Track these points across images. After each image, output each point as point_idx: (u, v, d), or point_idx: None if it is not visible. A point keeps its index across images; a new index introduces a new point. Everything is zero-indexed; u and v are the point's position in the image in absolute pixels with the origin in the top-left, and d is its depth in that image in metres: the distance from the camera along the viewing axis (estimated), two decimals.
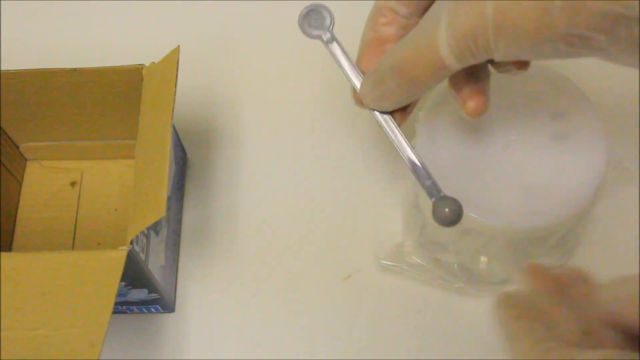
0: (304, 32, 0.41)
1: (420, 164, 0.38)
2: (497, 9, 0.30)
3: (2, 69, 0.42)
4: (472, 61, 0.33)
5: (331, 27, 0.41)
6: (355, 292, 0.46)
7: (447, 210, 0.36)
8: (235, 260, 0.47)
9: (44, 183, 0.50)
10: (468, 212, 0.37)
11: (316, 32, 0.41)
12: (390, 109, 0.38)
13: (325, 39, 0.41)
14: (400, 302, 0.45)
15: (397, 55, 0.35)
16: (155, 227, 0.42)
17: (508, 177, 0.37)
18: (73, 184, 0.50)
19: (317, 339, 0.45)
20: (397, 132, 0.38)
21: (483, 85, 0.36)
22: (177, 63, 0.39)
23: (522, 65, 0.36)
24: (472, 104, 0.36)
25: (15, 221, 0.49)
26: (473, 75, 0.36)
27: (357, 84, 0.39)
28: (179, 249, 0.48)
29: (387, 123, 0.39)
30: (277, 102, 0.53)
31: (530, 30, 0.30)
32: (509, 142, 0.38)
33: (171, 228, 0.46)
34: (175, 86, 0.39)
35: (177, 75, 0.39)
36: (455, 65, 0.33)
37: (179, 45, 0.40)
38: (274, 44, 0.56)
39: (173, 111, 0.38)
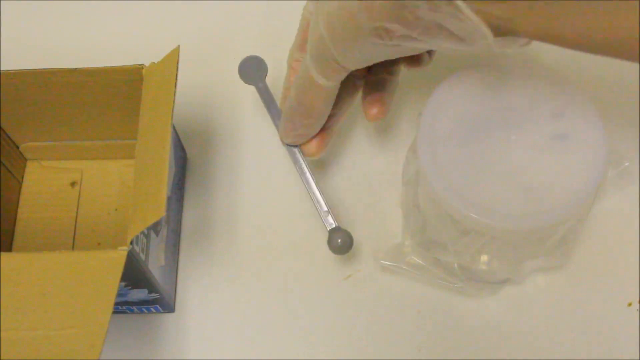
0: (242, 78, 0.47)
1: (322, 196, 0.44)
2: (325, 19, 0.36)
3: (2, 69, 0.42)
4: (333, 74, 0.38)
5: (264, 77, 0.47)
6: (355, 292, 0.46)
7: (339, 240, 0.42)
8: (235, 260, 0.47)
9: (44, 183, 0.50)
10: (468, 213, 0.37)
11: (251, 80, 0.47)
12: (302, 141, 0.44)
13: (258, 86, 0.47)
14: (400, 302, 0.45)
15: (293, 88, 0.42)
16: (155, 227, 0.42)
17: (508, 177, 0.37)
18: (73, 184, 0.50)
19: (317, 339, 0.45)
20: (303, 165, 0.44)
21: (384, 96, 0.43)
22: (177, 63, 0.40)
23: (414, 63, 0.43)
24: (372, 110, 0.43)
25: (15, 221, 0.49)
26: (376, 87, 0.43)
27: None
28: (179, 249, 0.48)
29: (295, 156, 0.45)
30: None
31: (347, 31, 0.35)
32: (509, 142, 0.38)
33: (171, 228, 0.46)
34: (175, 86, 0.39)
35: (177, 75, 0.39)
36: (325, 82, 0.39)
37: (178, 46, 0.40)
38: (274, 43, 0.56)
39: (173, 111, 0.38)
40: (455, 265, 0.42)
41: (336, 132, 0.46)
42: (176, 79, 0.39)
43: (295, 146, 0.45)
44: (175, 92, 0.39)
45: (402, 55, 0.37)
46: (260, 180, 0.50)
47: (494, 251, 0.41)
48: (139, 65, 0.42)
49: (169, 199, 0.45)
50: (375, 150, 0.50)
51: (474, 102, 0.39)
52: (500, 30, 0.31)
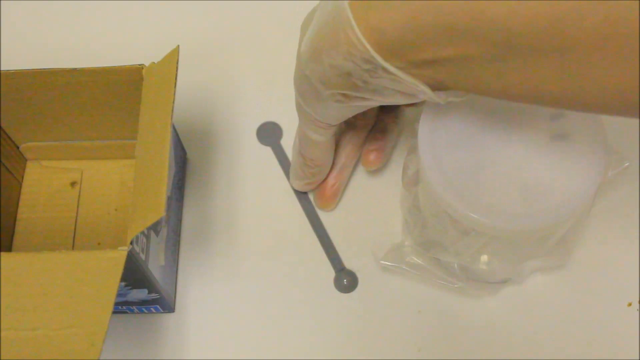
0: (259, 140, 0.51)
1: (329, 239, 0.47)
2: (294, 85, 0.39)
3: (2, 69, 0.42)
4: (319, 129, 0.41)
5: (279, 140, 0.51)
6: (355, 293, 0.46)
7: (345, 281, 0.46)
8: (235, 259, 0.47)
9: (44, 183, 0.50)
10: (468, 212, 0.37)
11: (268, 142, 0.51)
12: (310, 189, 0.48)
13: (274, 148, 0.50)
14: (400, 302, 0.45)
15: (295, 142, 0.45)
16: (155, 227, 0.42)
17: (508, 177, 0.37)
18: (73, 184, 0.50)
19: (316, 338, 0.45)
20: (312, 210, 0.48)
21: (381, 144, 0.46)
22: (177, 63, 0.40)
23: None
24: (370, 157, 0.46)
25: (15, 221, 0.49)
26: (376, 134, 0.46)
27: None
28: (179, 249, 0.48)
29: (304, 203, 0.48)
30: (276, 101, 0.53)
31: (311, 96, 0.38)
32: (509, 142, 0.38)
33: (171, 228, 0.46)
34: (175, 86, 0.39)
35: (176, 75, 0.39)
36: (317, 137, 0.42)
37: (178, 45, 0.40)
38: (274, 43, 0.56)
39: (173, 111, 0.38)
40: (456, 265, 0.42)
41: (345, 183, 0.48)
42: (176, 78, 0.39)
43: (304, 193, 0.49)
44: (175, 92, 0.39)
45: (370, 107, 0.40)
46: (260, 180, 0.50)
47: (494, 251, 0.41)
48: (139, 65, 0.42)
49: (169, 199, 0.45)
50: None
51: (474, 102, 0.39)
52: (437, 86, 0.34)
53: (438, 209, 0.39)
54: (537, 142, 0.38)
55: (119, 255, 0.34)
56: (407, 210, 0.45)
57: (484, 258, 0.42)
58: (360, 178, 0.50)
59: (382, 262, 0.45)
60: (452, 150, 0.38)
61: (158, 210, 0.34)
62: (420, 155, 0.38)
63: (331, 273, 0.46)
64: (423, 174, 0.39)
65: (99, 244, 0.48)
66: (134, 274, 0.39)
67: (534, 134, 0.38)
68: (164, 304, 0.44)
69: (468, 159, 0.38)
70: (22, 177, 0.50)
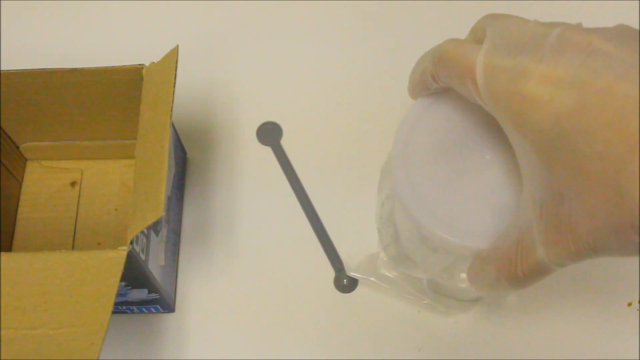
0: (259, 140, 0.51)
1: (329, 239, 0.47)
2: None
3: (2, 69, 0.42)
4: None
5: (280, 139, 0.51)
6: (354, 293, 0.46)
7: (345, 281, 0.46)
8: (235, 259, 0.47)
9: (44, 183, 0.50)
10: (436, 231, 0.35)
11: (267, 142, 0.51)
12: None
13: (274, 148, 0.50)
14: (400, 302, 0.45)
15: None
16: (155, 227, 0.42)
17: (480, 197, 0.35)
18: (73, 184, 0.50)
19: (316, 338, 0.45)
20: (312, 211, 0.48)
21: None
22: (176, 63, 0.40)
23: None
24: None
25: (15, 221, 0.49)
26: None
27: (296, 187, 0.49)
28: (179, 249, 0.48)
29: (304, 203, 0.48)
30: (276, 101, 0.53)
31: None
32: (483, 161, 0.37)
33: (171, 228, 0.46)
34: (174, 86, 0.39)
35: (175, 75, 0.39)
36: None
37: (177, 45, 0.40)
38: (274, 43, 0.56)
39: (172, 111, 0.38)
40: (424, 281, 0.42)
41: None
42: (175, 78, 0.39)
43: (304, 192, 0.49)
44: (174, 91, 0.39)
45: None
46: (260, 180, 0.50)
47: (463, 269, 0.39)
48: (139, 65, 0.42)
49: (168, 199, 0.45)
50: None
51: (450, 120, 0.37)
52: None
53: (410, 225, 0.38)
54: (512, 162, 0.36)
55: (119, 255, 0.34)
56: (380, 223, 0.44)
57: (454, 276, 0.40)
58: (360, 178, 0.50)
59: (352, 273, 0.45)
60: (426, 167, 0.36)
61: (157, 210, 0.34)
62: (393, 171, 0.37)
63: (331, 273, 0.46)
64: (395, 189, 0.37)
65: (99, 244, 0.48)
66: (134, 274, 0.39)
67: (509, 154, 0.36)
68: (164, 304, 0.44)
69: (441, 177, 0.36)
70: (22, 177, 0.50)
